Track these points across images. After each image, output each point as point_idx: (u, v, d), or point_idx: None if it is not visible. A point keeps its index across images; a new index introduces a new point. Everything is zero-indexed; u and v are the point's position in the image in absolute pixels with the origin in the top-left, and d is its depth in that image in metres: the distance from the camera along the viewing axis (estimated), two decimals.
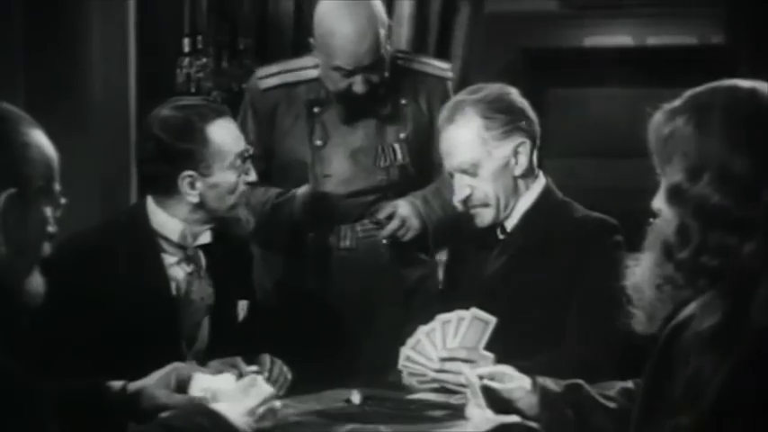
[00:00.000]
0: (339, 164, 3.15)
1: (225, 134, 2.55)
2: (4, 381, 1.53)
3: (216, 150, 2.52)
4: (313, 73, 3.13)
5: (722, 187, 1.58)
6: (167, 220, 2.56)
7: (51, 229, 1.73)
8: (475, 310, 2.49)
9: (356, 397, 2.54)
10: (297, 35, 3.96)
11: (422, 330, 2.53)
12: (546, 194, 2.70)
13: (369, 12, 2.99)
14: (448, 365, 2.44)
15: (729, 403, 1.51)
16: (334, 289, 3.16)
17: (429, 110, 3.17)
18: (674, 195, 1.63)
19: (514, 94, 2.69)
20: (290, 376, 2.60)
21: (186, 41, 3.93)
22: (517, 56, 5.22)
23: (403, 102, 3.15)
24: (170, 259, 2.57)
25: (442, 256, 3.20)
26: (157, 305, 2.53)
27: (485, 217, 2.68)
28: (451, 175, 2.70)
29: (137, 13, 4.01)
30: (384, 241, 3.15)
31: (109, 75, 3.93)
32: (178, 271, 2.58)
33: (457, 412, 2.42)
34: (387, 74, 3.05)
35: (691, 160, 1.61)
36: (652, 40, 5.41)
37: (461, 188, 2.66)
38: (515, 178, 2.66)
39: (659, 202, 1.69)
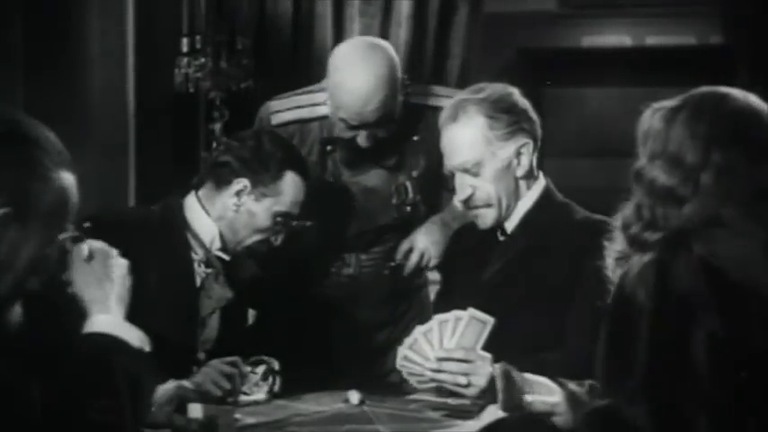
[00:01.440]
0: (350, 202, 3.14)
1: (292, 189, 2.70)
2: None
3: (277, 191, 2.67)
4: (326, 110, 3.07)
5: (670, 170, 1.80)
6: (203, 220, 2.67)
7: (42, 267, 1.73)
8: (472, 311, 2.49)
9: (354, 397, 2.54)
10: (295, 35, 3.95)
11: (419, 330, 2.52)
12: (546, 196, 2.69)
13: (382, 70, 2.91)
14: (445, 365, 2.44)
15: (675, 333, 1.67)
16: (332, 312, 3.18)
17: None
18: (636, 177, 1.85)
19: (517, 94, 2.67)
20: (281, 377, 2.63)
21: (184, 41, 3.92)
22: (515, 55, 5.22)
23: (415, 138, 3.11)
24: (193, 256, 2.66)
25: None
26: (180, 293, 2.61)
27: (487, 218, 2.66)
28: (452, 175, 2.68)
29: (135, 13, 4.00)
30: (386, 271, 3.16)
31: (107, 74, 3.93)
32: (198, 269, 2.67)
33: (455, 413, 2.42)
34: (396, 123, 2.99)
35: (653, 147, 1.84)
36: (650, 40, 5.43)
37: (463, 188, 2.65)
38: (517, 179, 2.65)
39: None
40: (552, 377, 2.29)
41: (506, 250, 2.67)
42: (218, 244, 2.68)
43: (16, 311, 1.72)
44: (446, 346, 2.47)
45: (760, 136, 1.82)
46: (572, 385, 2.22)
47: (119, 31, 3.98)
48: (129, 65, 3.99)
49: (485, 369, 2.38)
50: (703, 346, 1.65)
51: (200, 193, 2.71)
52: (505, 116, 2.62)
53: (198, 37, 3.92)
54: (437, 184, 3.14)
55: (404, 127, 3.05)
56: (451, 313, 2.50)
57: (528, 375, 2.33)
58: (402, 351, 2.53)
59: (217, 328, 2.67)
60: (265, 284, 2.93)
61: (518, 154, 2.63)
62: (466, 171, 2.64)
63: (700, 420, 1.63)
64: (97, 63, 3.89)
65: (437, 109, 2.86)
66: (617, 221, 1.88)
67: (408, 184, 3.14)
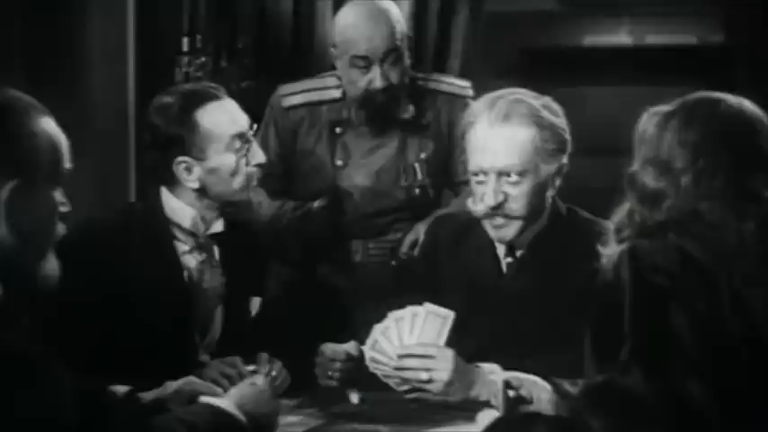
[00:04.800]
0: (360, 184, 3.18)
1: (216, 118, 2.51)
2: (26, 366, 1.54)
3: (206, 134, 2.50)
4: (336, 93, 3.18)
5: (659, 176, 1.83)
6: (179, 207, 2.55)
7: (63, 209, 1.74)
8: (429, 306, 2.43)
9: (354, 397, 2.54)
10: (295, 35, 3.95)
11: (378, 329, 2.47)
12: (554, 213, 2.56)
13: (385, 7, 3.11)
14: (405, 362, 2.38)
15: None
16: (338, 300, 3.19)
17: (449, 129, 3.19)
18: (629, 182, 1.88)
19: (561, 112, 2.56)
20: (288, 376, 2.60)
21: (185, 40, 3.93)
22: (516, 55, 5.22)
23: (424, 122, 3.18)
24: (182, 247, 2.57)
25: None
26: (170, 293, 2.53)
27: (509, 231, 2.50)
28: (483, 175, 2.49)
29: (136, 12, 4.00)
30: (393, 263, 3.18)
31: (108, 74, 3.93)
32: (190, 259, 2.57)
33: (456, 412, 2.42)
34: (407, 80, 3.11)
35: (646, 152, 1.86)
36: (651, 39, 5.42)
37: (495, 194, 2.46)
38: (545, 199, 2.52)
39: None
40: (558, 377, 2.28)
41: (520, 272, 2.55)
42: (201, 226, 2.56)
43: (51, 264, 1.73)
44: (406, 342, 2.42)
45: (747, 143, 1.83)
46: (565, 384, 2.21)
47: (119, 31, 3.98)
48: (129, 64, 3.99)
49: (446, 363, 2.33)
50: (684, 319, 1.69)
51: (167, 187, 2.57)
52: (556, 131, 2.50)
53: (198, 36, 3.93)
54: (444, 169, 3.20)
55: (413, 108, 3.15)
56: (407, 309, 2.45)
57: (521, 375, 2.31)
58: (368, 353, 2.47)
59: (220, 329, 2.64)
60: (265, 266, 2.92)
61: (557, 173, 2.52)
62: (506, 175, 2.47)
63: (693, 385, 1.66)
64: (98, 62, 3.89)
65: (445, 94, 2.92)
66: (610, 225, 1.89)
67: (417, 165, 3.19)
